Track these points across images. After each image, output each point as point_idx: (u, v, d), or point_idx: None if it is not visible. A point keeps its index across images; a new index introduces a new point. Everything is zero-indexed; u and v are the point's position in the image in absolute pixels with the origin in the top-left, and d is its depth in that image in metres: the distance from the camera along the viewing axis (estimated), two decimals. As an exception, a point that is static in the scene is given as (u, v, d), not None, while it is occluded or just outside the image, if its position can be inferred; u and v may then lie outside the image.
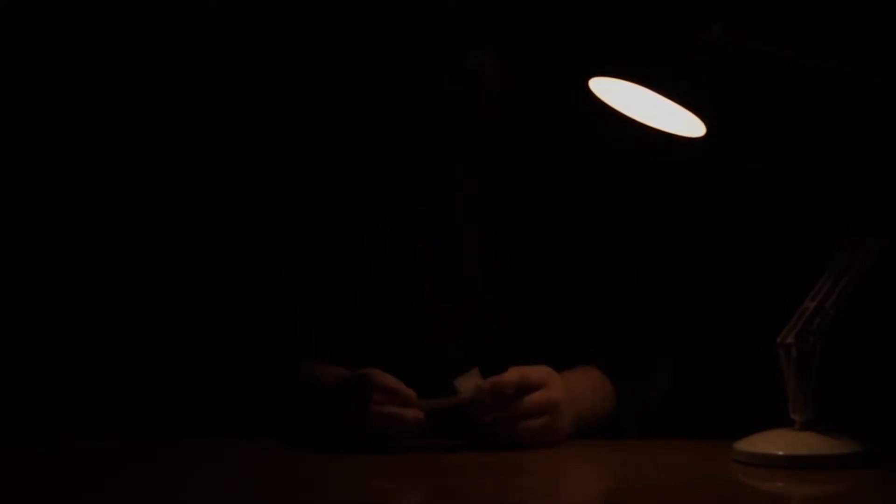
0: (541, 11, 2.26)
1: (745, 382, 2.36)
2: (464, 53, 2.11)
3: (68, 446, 2.05)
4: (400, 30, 2.14)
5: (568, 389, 2.00)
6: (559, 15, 2.30)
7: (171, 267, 2.48)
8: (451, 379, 1.95)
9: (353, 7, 2.33)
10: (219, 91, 2.48)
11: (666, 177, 2.37)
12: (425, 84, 2.12)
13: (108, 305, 2.49)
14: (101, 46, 2.49)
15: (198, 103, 2.48)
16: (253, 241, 2.33)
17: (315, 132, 2.28)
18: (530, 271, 2.15)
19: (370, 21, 2.24)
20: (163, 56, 2.49)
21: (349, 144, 2.21)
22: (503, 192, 2.17)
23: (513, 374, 1.96)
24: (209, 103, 2.48)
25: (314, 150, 2.24)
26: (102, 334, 2.48)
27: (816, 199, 2.31)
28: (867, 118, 2.20)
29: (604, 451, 2.02)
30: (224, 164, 2.47)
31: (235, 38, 2.48)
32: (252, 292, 2.21)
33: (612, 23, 2.19)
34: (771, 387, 1.89)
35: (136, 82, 2.49)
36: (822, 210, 2.28)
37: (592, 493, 1.86)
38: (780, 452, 1.83)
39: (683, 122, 1.89)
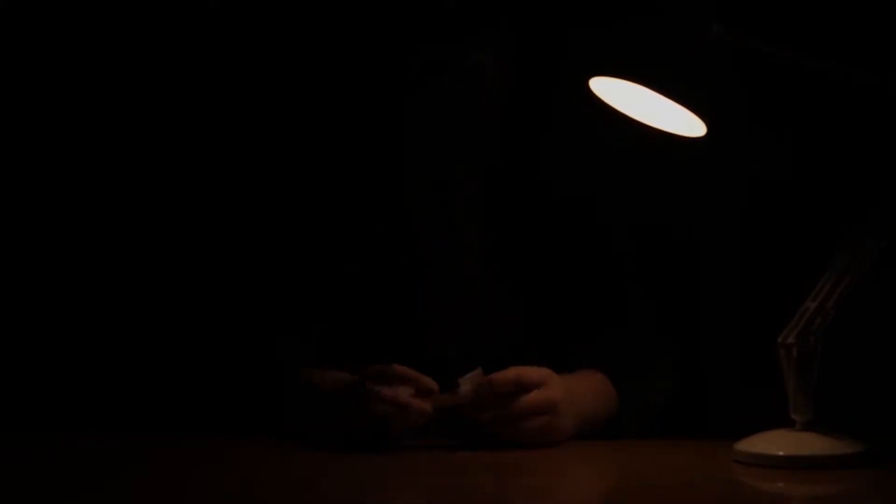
0: (541, 11, 2.26)
1: (746, 382, 2.36)
2: (464, 53, 2.11)
3: (68, 446, 2.05)
4: (400, 30, 2.14)
5: (569, 392, 2.00)
6: (559, 15, 2.30)
7: (171, 267, 2.48)
8: (455, 378, 1.95)
9: (353, 7, 2.33)
10: (219, 91, 2.48)
11: (666, 177, 2.37)
12: (425, 84, 2.12)
13: (108, 305, 2.49)
14: (101, 46, 2.49)
15: (198, 103, 2.48)
16: (253, 241, 2.33)
17: (315, 132, 2.28)
18: (530, 271, 2.15)
19: (370, 21, 2.24)
20: (162, 56, 2.48)
21: (349, 144, 2.21)
22: (503, 192, 2.17)
23: (510, 372, 1.96)
24: (209, 104, 2.48)
25: (314, 149, 2.24)
26: (102, 334, 2.48)
27: (816, 199, 2.31)
28: (867, 118, 2.20)
29: (604, 451, 2.02)
30: (224, 165, 2.47)
31: (235, 38, 2.48)
32: (252, 292, 2.20)
33: (612, 23, 2.19)
34: (771, 387, 1.89)
35: (135, 82, 2.49)
36: (822, 210, 2.28)
37: (592, 493, 1.86)
38: (781, 453, 1.83)
39: (684, 122, 1.89)
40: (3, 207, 2.50)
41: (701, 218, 2.42)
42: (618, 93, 1.92)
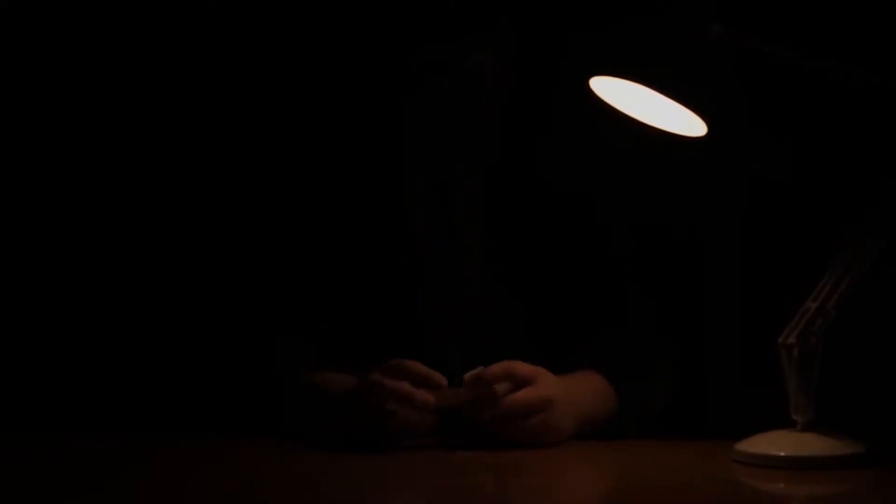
0: (541, 11, 2.26)
1: (746, 382, 2.36)
2: (464, 53, 2.11)
3: (68, 446, 2.05)
4: (400, 30, 2.14)
5: (568, 392, 2.00)
6: (559, 15, 2.30)
7: (171, 267, 2.48)
8: (455, 378, 1.95)
9: (354, 7, 2.33)
10: (219, 91, 2.48)
11: (666, 177, 2.37)
12: (425, 84, 2.12)
13: (108, 305, 2.49)
14: (100, 46, 2.49)
15: (198, 104, 2.48)
16: (252, 241, 2.33)
17: (315, 132, 2.28)
18: (530, 271, 2.15)
19: (370, 21, 2.24)
20: (162, 56, 2.48)
21: (349, 144, 2.21)
22: (503, 192, 2.17)
23: (499, 366, 1.96)
24: (209, 104, 2.48)
25: (314, 150, 2.24)
26: (102, 334, 2.48)
27: (816, 199, 2.30)
28: (867, 118, 2.20)
29: (604, 452, 2.02)
30: (224, 165, 2.47)
31: (235, 38, 2.47)
32: (252, 292, 2.20)
33: (612, 23, 2.19)
34: (772, 387, 1.89)
35: (135, 82, 2.49)
36: (822, 210, 2.28)
37: (592, 493, 1.86)
38: (782, 453, 1.83)
39: (684, 122, 1.89)
40: (3, 207, 2.50)
41: (701, 218, 2.42)
42: (618, 93, 1.92)
